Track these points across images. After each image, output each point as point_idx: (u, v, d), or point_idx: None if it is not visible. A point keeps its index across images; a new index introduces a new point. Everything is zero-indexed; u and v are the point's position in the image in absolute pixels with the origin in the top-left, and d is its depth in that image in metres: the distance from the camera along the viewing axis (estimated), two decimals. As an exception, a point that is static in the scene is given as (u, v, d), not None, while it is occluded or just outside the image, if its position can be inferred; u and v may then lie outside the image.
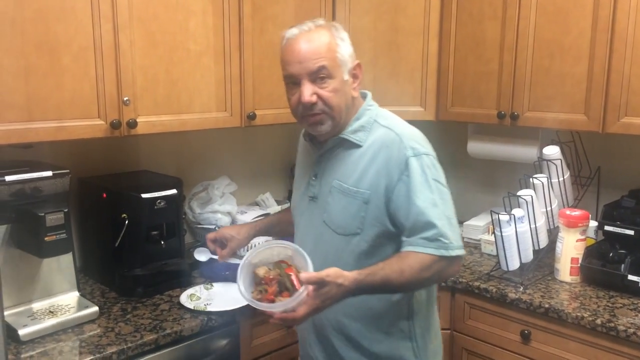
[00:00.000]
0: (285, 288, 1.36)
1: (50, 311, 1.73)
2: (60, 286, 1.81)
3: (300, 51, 1.44)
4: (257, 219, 2.50)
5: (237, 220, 2.47)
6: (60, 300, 1.79)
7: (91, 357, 1.55)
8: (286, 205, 2.70)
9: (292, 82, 1.48)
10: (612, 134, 2.10)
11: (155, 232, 1.96)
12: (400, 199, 1.42)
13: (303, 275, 1.31)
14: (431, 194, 1.41)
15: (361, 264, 1.43)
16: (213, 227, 2.36)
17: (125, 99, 1.85)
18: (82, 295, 1.85)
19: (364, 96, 1.58)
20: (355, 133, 1.51)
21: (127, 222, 1.88)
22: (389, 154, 1.44)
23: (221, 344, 1.85)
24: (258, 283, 1.41)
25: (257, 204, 2.66)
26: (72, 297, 1.82)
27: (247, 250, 1.88)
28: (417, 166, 1.42)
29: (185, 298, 1.90)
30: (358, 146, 1.50)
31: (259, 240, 1.96)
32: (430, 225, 1.38)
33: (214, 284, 2.03)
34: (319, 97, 1.45)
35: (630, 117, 2.04)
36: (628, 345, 1.78)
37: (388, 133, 1.47)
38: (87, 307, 1.76)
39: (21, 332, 1.60)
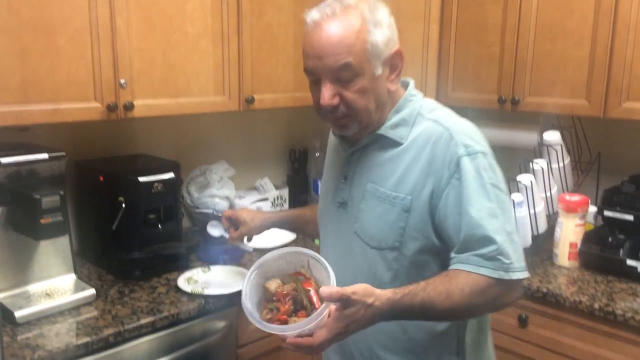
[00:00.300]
0: (302, 307, 1.14)
1: (46, 293, 1.73)
2: (57, 269, 1.81)
3: (320, 43, 1.18)
4: (258, 203, 2.51)
5: (235, 205, 2.46)
6: (56, 283, 1.79)
7: (87, 339, 1.55)
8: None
9: (313, 78, 1.24)
10: (613, 119, 2.08)
11: (152, 216, 1.96)
12: (449, 207, 1.18)
13: (324, 290, 1.06)
14: (489, 202, 1.16)
15: (399, 285, 1.17)
16: (211, 211, 2.35)
17: (122, 81, 1.83)
18: (79, 278, 1.85)
19: (405, 85, 1.34)
20: (395, 128, 1.27)
21: (123, 205, 1.87)
22: (435, 152, 1.20)
23: (218, 327, 1.85)
24: (269, 300, 1.19)
25: (255, 188, 2.65)
26: (68, 280, 1.82)
27: (257, 235, 1.73)
28: (471, 167, 1.17)
29: (182, 281, 1.90)
30: (398, 144, 1.26)
31: (271, 244, 1.92)
32: (487, 240, 1.14)
33: (211, 267, 2.02)
34: (342, 99, 1.21)
35: (632, 101, 2.02)
36: (625, 329, 1.78)
37: (435, 127, 1.23)
38: (83, 289, 1.76)
39: (17, 313, 1.60)
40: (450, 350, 1.30)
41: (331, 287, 1.08)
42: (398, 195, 1.23)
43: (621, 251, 2.03)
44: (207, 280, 1.95)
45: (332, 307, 1.08)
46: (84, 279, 1.88)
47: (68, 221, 1.73)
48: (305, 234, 1.61)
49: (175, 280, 1.91)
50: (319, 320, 1.07)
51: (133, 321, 1.65)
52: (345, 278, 1.18)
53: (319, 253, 1.23)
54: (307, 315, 1.11)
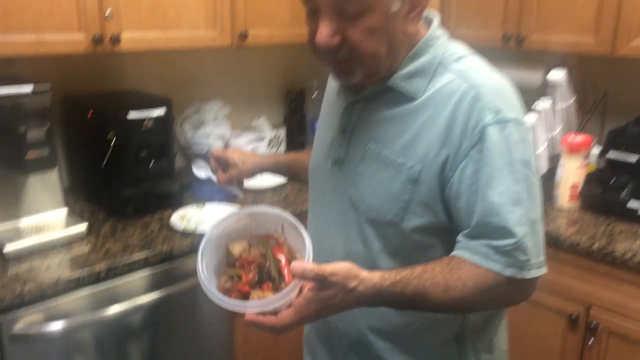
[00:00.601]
0: (269, 277, 0.97)
1: (37, 228, 1.71)
2: (47, 204, 1.78)
3: None
4: (254, 143, 2.46)
5: (231, 144, 2.42)
6: (47, 218, 1.76)
7: (79, 273, 1.53)
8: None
9: (310, 7, 0.98)
10: (621, 58, 2.00)
11: (144, 153, 1.91)
12: (464, 184, 0.96)
13: (297, 266, 0.89)
14: (514, 185, 0.94)
15: (397, 265, 1.03)
16: (206, 151, 2.31)
17: (107, 11, 1.75)
18: (70, 214, 1.83)
19: (427, 22, 1.07)
20: (409, 80, 1.02)
21: (113, 142, 1.82)
22: (457, 114, 0.96)
23: (212, 264, 1.83)
24: (231, 264, 1.01)
25: (251, 128, 2.59)
26: (59, 215, 1.80)
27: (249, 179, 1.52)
28: (498, 140, 0.94)
29: (176, 219, 1.87)
30: (411, 99, 1.01)
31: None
32: (505, 232, 0.94)
33: (206, 204, 1.99)
34: (345, 39, 0.95)
35: (642, 37, 1.93)
36: (625, 269, 1.76)
37: (459, 83, 0.98)
38: (75, 224, 1.74)
39: (6, 248, 1.58)
40: (450, 337, 1.10)
41: (306, 262, 0.91)
42: (405, 163, 1.00)
43: (623, 193, 1.99)
44: (200, 218, 1.92)
45: (306, 287, 0.92)
46: (75, 215, 1.86)
47: (56, 155, 1.69)
48: (302, 181, 1.42)
49: (169, 218, 1.89)
50: (286, 300, 0.91)
51: (125, 256, 1.63)
52: (336, 250, 1.08)
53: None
54: (274, 289, 0.95)
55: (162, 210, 1.96)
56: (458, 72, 1.01)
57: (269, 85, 2.73)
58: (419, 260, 0.99)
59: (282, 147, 2.66)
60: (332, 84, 1.23)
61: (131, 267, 1.64)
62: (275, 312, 0.91)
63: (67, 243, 1.69)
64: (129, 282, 1.64)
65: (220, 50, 2.12)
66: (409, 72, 1.02)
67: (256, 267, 0.98)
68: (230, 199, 2.08)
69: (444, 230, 1.02)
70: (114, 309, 1.58)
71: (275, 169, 1.50)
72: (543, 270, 0.98)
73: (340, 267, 0.91)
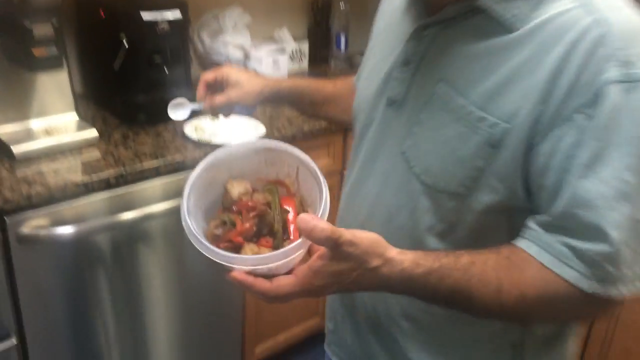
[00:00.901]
0: (270, 232, 0.78)
1: (46, 131, 1.65)
2: (58, 106, 1.71)
3: None
4: (274, 55, 2.34)
5: (250, 55, 2.31)
6: (57, 121, 1.70)
7: (87, 178, 1.49)
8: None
9: None
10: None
11: (158, 58, 1.82)
12: (557, 157, 0.71)
13: (307, 220, 0.68)
14: (627, 172, 0.68)
15: (447, 247, 0.82)
16: (224, 59, 2.21)
17: None
18: (81, 119, 1.77)
19: None
20: (508, 2, 0.74)
21: (126, 44, 1.73)
22: (569, 57, 0.69)
23: (226, 177, 1.78)
24: (226, 207, 0.82)
25: (272, 39, 2.47)
26: (70, 119, 1.73)
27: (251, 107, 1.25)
28: (620, 104, 0.68)
29: (190, 128, 1.81)
30: (507, 29, 0.74)
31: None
32: (596, 233, 0.69)
33: (221, 116, 1.91)
34: None
35: None
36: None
37: (578, 15, 0.70)
38: (85, 129, 1.68)
39: (15, 148, 1.53)
40: (505, 345, 0.87)
41: (318, 218, 0.70)
42: (486, 118, 0.74)
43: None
44: (215, 129, 1.85)
45: (317, 252, 0.72)
46: (87, 120, 1.80)
47: (64, 55, 1.60)
48: (324, 117, 1.19)
49: (182, 127, 1.82)
50: (287, 261, 0.71)
51: (137, 164, 1.58)
52: (375, 216, 0.87)
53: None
54: (274, 247, 0.77)
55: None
56: (579, 1, 0.72)
57: (293, -7, 2.58)
58: (474, 246, 0.77)
59: (305, 62, 2.54)
60: (390, 4, 0.99)
61: (142, 175, 1.59)
62: (268, 276, 0.72)
63: (77, 148, 1.64)
64: (140, 191, 1.60)
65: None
66: None
67: (256, 215, 0.78)
68: (250, 111, 2.00)
69: (517, 210, 0.77)
70: (125, 216, 1.54)
71: (289, 96, 1.20)
72: (638, 287, 0.71)
73: (363, 238, 0.70)
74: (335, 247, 0.69)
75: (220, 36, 2.22)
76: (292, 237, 0.78)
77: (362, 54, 1.08)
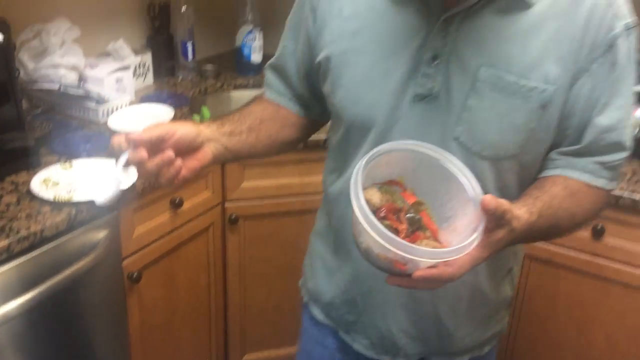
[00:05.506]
0: (419, 227, 0.85)
1: None
2: None
3: None
4: (117, 73, 1.96)
5: (87, 76, 1.91)
6: None
7: None
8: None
9: None
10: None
11: (-23, 98, 1.39)
12: (581, 100, 0.89)
13: (490, 201, 0.76)
14: (631, 95, 0.92)
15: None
16: (57, 85, 1.79)
17: None
18: None
19: None
20: None
21: None
22: (579, 21, 0.86)
23: (97, 239, 1.42)
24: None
25: (108, 54, 2.07)
26: None
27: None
28: (626, 50, 0.88)
29: (38, 184, 1.40)
30: (526, 4, 0.86)
31: None
32: (619, 147, 0.92)
33: (73, 162, 1.53)
34: None
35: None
36: None
37: None
38: None
39: None
40: (505, 272, 1.09)
41: (494, 197, 0.77)
42: (536, 86, 0.86)
43: None
44: (70, 180, 1.47)
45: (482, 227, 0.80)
46: None
47: None
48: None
49: (27, 183, 1.41)
50: (472, 247, 0.78)
51: (-24, 249, 1.17)
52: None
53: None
54: (434, 239, 0.84)
55: (14, 174, 1.46)
56: None
57: (125, -3, 2.20)
58: (517, 191, 0.94)
59: (150, 76, 2.19)
60: None
61: (-11, 263, 1.18)
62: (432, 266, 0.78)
63: None
64: (-11, 284, 1.19)
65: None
66: None
67: (407, 217, 0.84)
68: (105, 147, 1.63)
69: (543, 156, 0.95)
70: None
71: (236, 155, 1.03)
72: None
73: (505, 203, 0.79)
74: (501, 218, 0.78)
75: (47, 57, 1.79)
76: (431, 228, 0.85)
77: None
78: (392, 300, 1.04)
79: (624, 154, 0.93)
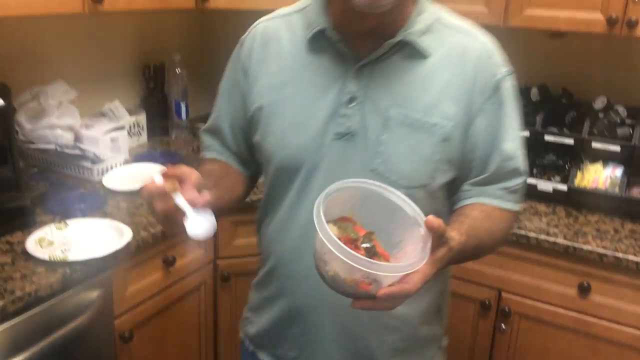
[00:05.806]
0: (375, 254, 0.91)
1: None
2: None
3: None
4: (112, 133, 2.01)
5: (83, 136, 1.95)
6: None
7: None
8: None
9: None
10: (514, 27, 1.94)
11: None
12: (480, 136, 1.03)
13: (433, 220, 0.84)
14: (519, 128, 1.07)
15: None
16: (53, 146, 1.83)
17: None
18: None
19: None
20: (423, 36, 1.01)
21: None
22: (467, 70, 1.02)
23: (91, 299, 1.43)
24: None
25: (104, 114, 2.13)
26: None
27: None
28: (509, 92, 1.04)
29: (33, 245, 1.42)
30: (422, 56, 1.01)
31: None
32: (517, 173, 1.06)
33: (68, 222, 1.55)
34: None
35: (534, 7, 1.87)
36: (535, 251, 1.73)
37: (467, 40, 1.04)
38: None
39: None
40: (437, 293, 1.15)
41: (435, 217, 0.85)
42: (437, 122, 1.00)
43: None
44: (65, 240, 1.49)
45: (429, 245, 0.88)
46: None
47: None
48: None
49: (22, 243, 1.42)
50: (424, 261, 0.85)
51: (-30, 311, 1.18)
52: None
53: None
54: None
55: (10, 234, 1.48)
56: (457, 30, 1.05)
57: (122, 60, 2.26)
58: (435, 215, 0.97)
59: (144, 135, 2.24)
60: (292, 43, 1.07)
61: (-17, 325, 1.19)
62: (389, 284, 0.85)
63: None
64: (-17, 346, 1.19)
65: (61, 19, 1.65)
66: (421, 29, 1.02)
67: (364, 246, 0.89)
68: (100, 207, 1.65)
69: (449, 185, 1.07)
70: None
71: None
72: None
73: (443, 223, 0.86)
74: (442, 236, 0.86)
75: (44, 119, 1.83)
76: (383, 255, 0.90)
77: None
78: (327, 335, 1.09)
79: (521, 179, 1.07)
